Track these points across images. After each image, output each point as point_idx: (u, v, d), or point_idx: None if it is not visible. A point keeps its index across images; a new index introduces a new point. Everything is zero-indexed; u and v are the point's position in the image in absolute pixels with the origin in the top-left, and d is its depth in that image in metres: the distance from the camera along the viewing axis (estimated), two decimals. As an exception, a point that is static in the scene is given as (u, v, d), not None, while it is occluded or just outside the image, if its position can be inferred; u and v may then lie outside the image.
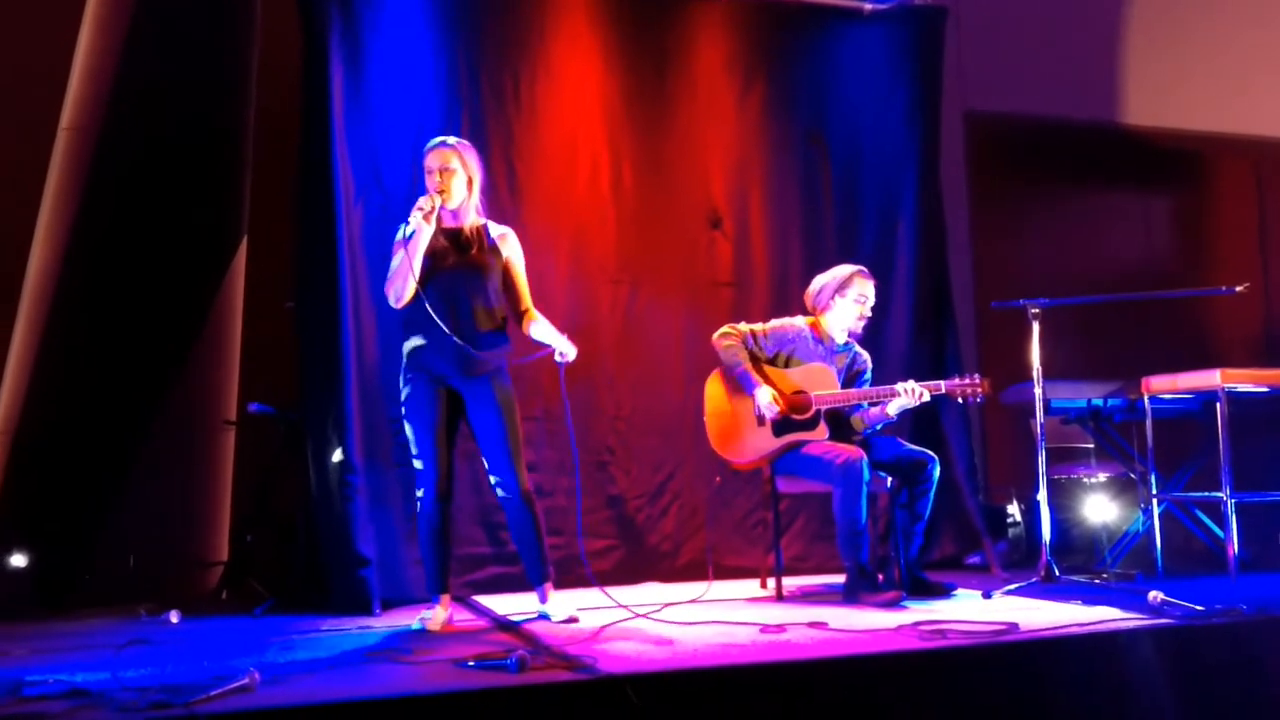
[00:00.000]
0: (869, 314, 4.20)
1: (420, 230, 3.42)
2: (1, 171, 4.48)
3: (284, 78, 4.51)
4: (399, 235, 3.53)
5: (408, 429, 3.54)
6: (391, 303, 3.51)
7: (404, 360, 3.56)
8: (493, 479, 3.59)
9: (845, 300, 4.17)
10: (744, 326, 4.24)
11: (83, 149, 4.67)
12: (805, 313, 4.32)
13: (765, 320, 4.34)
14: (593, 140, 4.87)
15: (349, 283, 4.14)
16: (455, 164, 3.54)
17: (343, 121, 4.26)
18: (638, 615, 3.52)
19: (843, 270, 4.22)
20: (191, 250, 4.79)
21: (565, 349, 3.54)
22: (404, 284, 3.45)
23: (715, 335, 4.23)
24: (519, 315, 3.68)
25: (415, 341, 3.52)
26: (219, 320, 4.84)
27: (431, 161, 3.54)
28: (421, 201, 3.45)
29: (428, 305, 3.42)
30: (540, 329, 3.63)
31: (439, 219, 3.51)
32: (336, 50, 4.29)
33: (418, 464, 3.53)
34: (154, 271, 4.67)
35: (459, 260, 3.51)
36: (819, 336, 4.23)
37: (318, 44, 4.27)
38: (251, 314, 4.85)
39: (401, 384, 3.56)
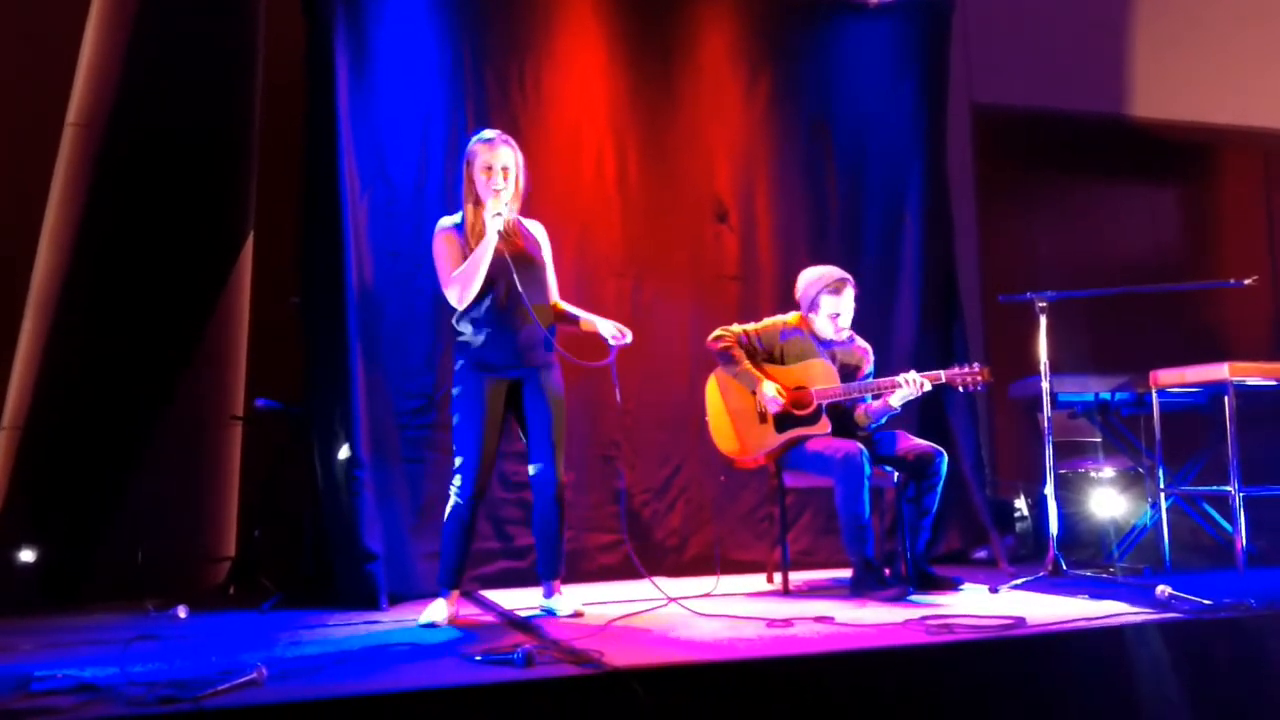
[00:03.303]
0: (845, 325, 4.20)
1: (498, 233, 3.45)
2: (8, 167, 4.49)
3: (289, 72, 4.51)
4: (443, 226, 3.57)
5: (456, 421, 3.55)
6: (455, 303, 3.51)
7: (459, 354, 3.58)
8: (532, 469, 3.61)
9: (818, 315, 4.20)
10: (737, 328, 4.24)
11: (89, 145, 4.68)
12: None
13: (770, 314, 4.34)
14: (598, 133, 4.87)
15: (355, 277, 4.13)
16: (512, 162, 3.57)
17: (348, 115, 4.26)
18: (671, 600, 3.56)
19: (808, 288, 4.21)
20: (198, 245, 4.80)
21: (620, 331, 3.59)
22: (470, 284, 3.46)
23: (710, 338, 4.23)
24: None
25: (473, 336, 3.53)
26: (225, 315, 4.85)
27: (491, 159, 3.54)
28: (496, 205, 3.48)
29: (485, 303, 3.49)
30: (585, 318, 3.67)
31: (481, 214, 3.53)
32: (341, 43, 4.28)
33: (459, 458, 3.53)
34: (160, 267, 4.68)
35: (511, 251, 3.53)
36: (810, 332, 4.23)
37: (322, 37, 4.27)
38: (258, 309, 4.86)
39: (455, 377, 3.58)
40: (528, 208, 3.74)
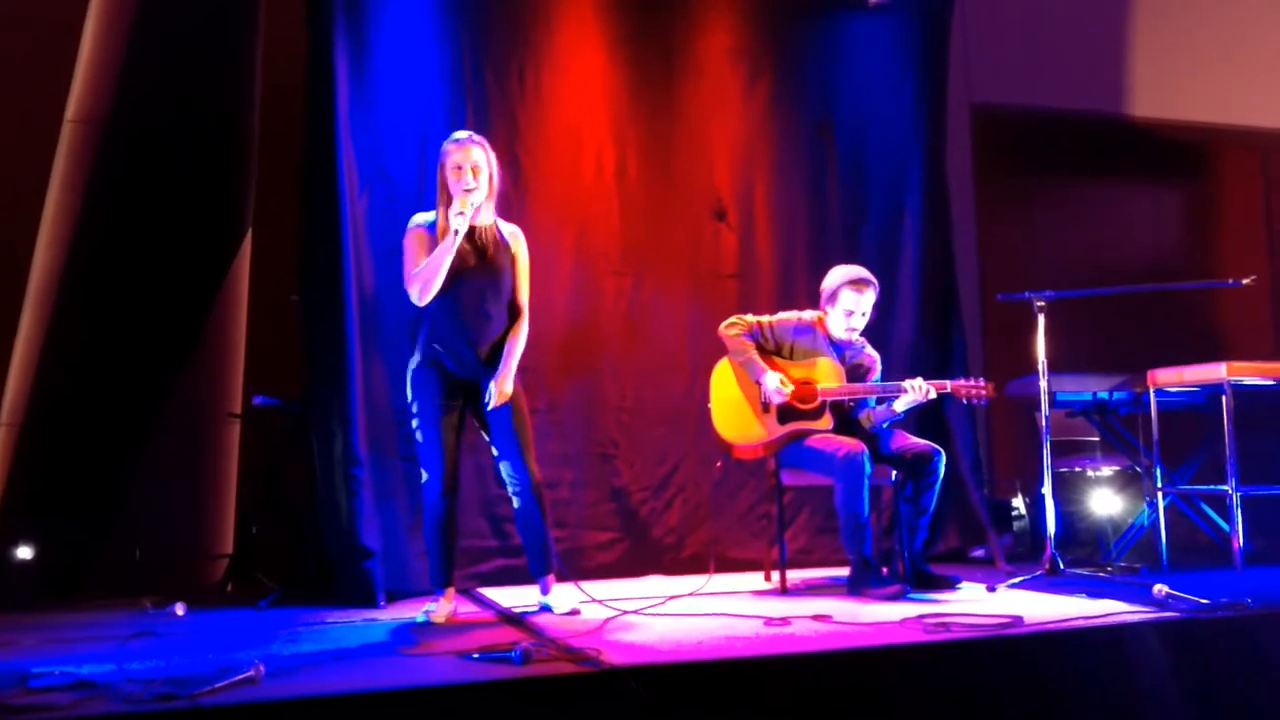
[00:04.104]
0: (857, 326, 4.19)
1: (458, 234, 3.42)
2: (7, 164, 4.48)
3: (289, 70, 4.50)
4: (415, 223, 3.56)
5: (416, 421, 3.54)
6: (414, 300, 3.49)
7: (417, 353, 3.56)
8: (504, 470, 3.61)
9: (835, 310, 4.19)
10: (750, 318, 4.24)
11: (88, 141, 4.68)
12: (816, 306, 4.32)
13: (769, 313, 4.34)
14: (598, 131, 4.87)
15: (353, 275, 4.13)
16: (483, 162, 3.55)
17: (347, 113, 4.25)
18: (627, 613, 3.49)
19: (835, 279, 4.19)
20: (196, 243, 4.79)
21: (492, 392, 3.49)
22: (431, 282, 3.44)
23: (722, 325, 4.24)
24: (513, 309, 3.66)
25: (429, 337, 3.53)
26: (224, 313, 4.85)
27: (460, 158, 3.53)
28: (460, 205, 3.45)
29: (446, 305, 3.48)
30: (506, 359, 3.57)
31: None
32: (341, 42, 4.27)
33: (423, 458, 3.53)
34: (159, 264, 4.67)
35: (479, 263, 3.53)
36: (824, 333, 4.23)
37: (322, 35, 4.26)
38: (256, 306, 4.85)
39: (410, 376, 3.56)
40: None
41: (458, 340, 3.50)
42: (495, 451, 3.62)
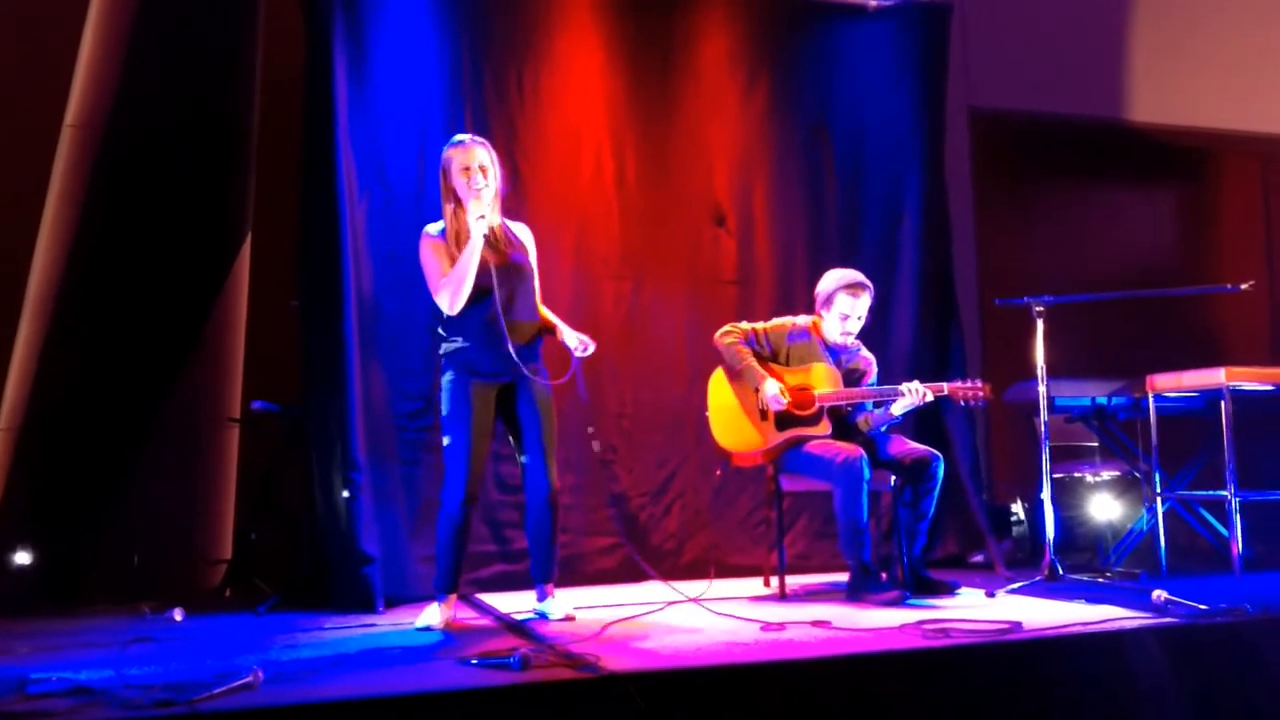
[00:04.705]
0: (853, 330, 4.19)
1: (482, 235, 3.44)
2: (6, 168, 4.49)
3: (288, 74, 4.51)
4: (429, 234, 3.56)
5: (447, 430, 3.52)
6: (447, 309, 3.48)
7: (450, 364, 3.55)
8: (523, 473, 3.61)
9: (830, 314, 4.18)
10: (745, 325, 4.24)
11: (87, 146, 4.68)
12: (811, 310, 4.32)
13: (768, 318, 4.34)
14: (597, 136, 4.87)
15: (352, 280, 4.13)
16: (489, 160, 3.57)
17: (346, 118, 4.26)
18: (686, 600, 3.53)
19: (829, 284, 4.19)
20: (195, 247, 4.79)
21: (583, 342, 3.62)
22: (461, 287, 3.44)
23: (717, 334, 4.23)
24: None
25: (461, 343, 3.52)
26: (223, 317, 4.85)
27: (468, 159, 3.53)
28: (479, 207, 3.47)
29: (479, 311, 3.48)
30: (558, 326, 3.71)
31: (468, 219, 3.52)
32: (340, 46, 4.28)
33: (450, 463, 3.52)
34: (158, 269, 4.68)
35: (501, 261, 3.53)
36: (819, 337, 4.23)
37: (321, 40, 4.26)
38: (255, 311, 4.85)
39: (448, 389, 3.54)
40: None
41: (495, 341, 3.48)
42: (518, 447, 3.62)
